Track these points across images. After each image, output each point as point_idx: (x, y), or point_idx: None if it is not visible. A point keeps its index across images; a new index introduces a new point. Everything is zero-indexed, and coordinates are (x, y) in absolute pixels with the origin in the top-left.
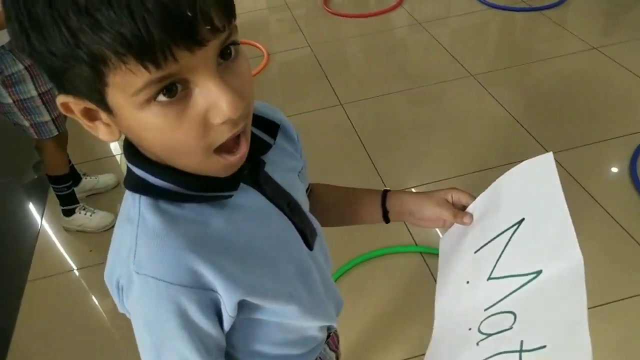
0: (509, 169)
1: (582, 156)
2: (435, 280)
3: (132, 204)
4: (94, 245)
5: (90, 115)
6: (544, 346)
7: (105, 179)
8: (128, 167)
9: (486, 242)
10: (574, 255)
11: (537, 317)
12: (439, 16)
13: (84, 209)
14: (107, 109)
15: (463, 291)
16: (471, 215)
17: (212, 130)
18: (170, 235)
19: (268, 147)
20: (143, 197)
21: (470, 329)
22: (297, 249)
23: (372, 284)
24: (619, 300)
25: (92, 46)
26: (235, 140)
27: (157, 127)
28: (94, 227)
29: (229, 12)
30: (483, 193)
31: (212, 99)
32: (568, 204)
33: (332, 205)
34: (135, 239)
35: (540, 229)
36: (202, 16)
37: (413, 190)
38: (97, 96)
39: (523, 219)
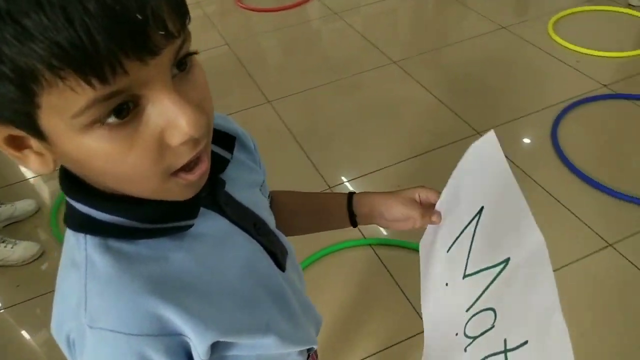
0: (443, 151)
1: (508, 131)
2: (389, 271)
3: (77, 246)
4: (21, 279)
5: (16, 144)
6: (526, 342)
7: (24, 206)
8: (67, 202)
9: (454, 238)
10: (535, 239)
11: (513, 310)
12: (352, 5)
13: (3, 242)
14: (40, 135)
15: (444, 295)
16: (439, 214)
17: (169, 152)
18: (125, 278)
19: (226, 162)
20: (89, 237)
21: (457, 334)
22: (268, 273)
23: (327, 282)
24: (560, 268)
25: (18, 60)
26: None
27: (105, 154)
28: (17, 260)
29: (183, 14)
30: (445, 189)
31: (169, 117)
32: None
33: (296, 214)
34: (85, 288)
35: (499, 214)
36: (154, 19)
37: (351, 183)
38: (26, 120)
39: (482, 207)
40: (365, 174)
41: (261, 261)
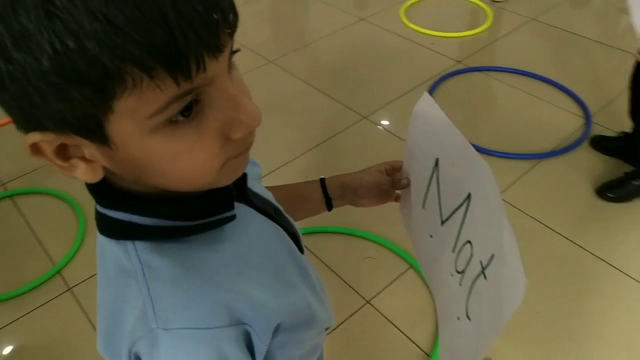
0: (338, 139)
1: (390, 111)
2: (317, 257)
3: (125, 255)
4: None
5: (66, 153)
6: (493, 255)
7: None
8: (99, 213)
9: (424, 193)
10: (480, 167)
11: (480, 233)
12: None
13: None
14: (102, 140)
15: (433, 246)
16: (407, 179)
17: (229, 145)
18: (190, 275)
19: None
20: (138, 243)
21: (452, 275)
22: (297, 255)
23: None
24: None
25: (106, 60)
26: None
27: (172, 153)
28: None
29: (236, 12)
30: (404, 155)
31: (231, 110)
32: (391, 158)
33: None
34: (148, 293)
35: (451, 159)
36: (224, 18)
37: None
38: (92, 125)
39: (437, 159)
40: (269, 173)
41: (290, 244)
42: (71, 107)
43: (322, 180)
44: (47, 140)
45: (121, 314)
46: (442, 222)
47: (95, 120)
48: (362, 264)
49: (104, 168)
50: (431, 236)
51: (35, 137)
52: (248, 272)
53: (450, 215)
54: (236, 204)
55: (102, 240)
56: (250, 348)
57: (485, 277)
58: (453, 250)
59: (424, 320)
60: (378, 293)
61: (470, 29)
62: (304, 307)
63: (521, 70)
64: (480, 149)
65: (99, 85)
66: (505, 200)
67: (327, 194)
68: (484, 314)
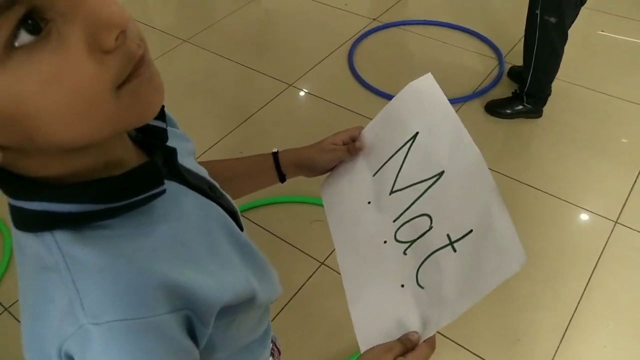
0: (267, 109)
1: (313, 77)
2: (266, 229)
3: (43, 248)
4: None
5: None
6: (471, 230)
7: None
8: (12, 206)
9: (383, 162)
10: (471, 153)
11: (452, 209)
12: None
13: None
14: None
15: (365, 212)
16: (362, 141)
17: (110, 60)
18: (120, 262)
19: (164, 131)
20: (57, 233)
21: (385, 242)
22: (236, 232)
23: None
24: None
25: None
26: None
27: (38, 83)
28: None
29: None
30: (372, 122)
31: (89, 13)
32: (322, 121)
33: (231, 180)
34: (74, 286)
35: (435, 137)
36: None
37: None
38: None
39: (417, 133)
40: (202, 153)
41: (228, 221)
42: None
43: (275, 155)
44: None
45: (45, 313)
46: (391, 192)
47: None
48: (310, 229)
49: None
50: (369, 202)
51: None
52: (182, 255)
53: (406, 187)
54: (167, 182)
55: (18, 235)
56: (192, 333)
57: (454, 249)
58: (395, 221)
59: None
60: (331, 253)
61: None
62: (245, 286)
63: (434, 21)
64: None
65: None
66: None
67: (281, 170)
68: (448, 283)
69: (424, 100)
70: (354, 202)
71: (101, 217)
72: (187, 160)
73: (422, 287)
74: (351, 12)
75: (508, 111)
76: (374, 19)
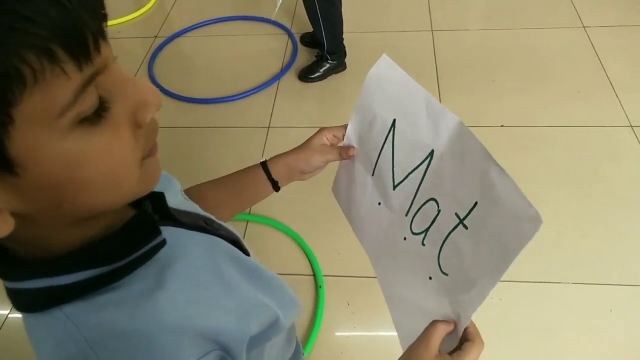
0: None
1: None
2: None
3: (64, 334)
4: None
5: None
6: (476, 203)
7: None
8: (13, 290)
9: (376, 159)
10: (451, 122)
11: (452, 186)
12: None
13: None
14: (5, 168)
15: (380, 214)
16: (354, 148)
17: (140, 135)
18: (140, 324)
19: None
20: (70, 313)
21: (405, 239)
22: (242, 259)
23: None
24: None
25: (3, 54)
26: None
27: (94, 153)
28: None
29: None
30: (351, 122)
31: (134, 94)
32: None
33: (223, 202)
34: None
35: (411, 117)
36: None
37: None
38: None
39: (394, 120)
40: None
41: (232, 251)
42: None
43: (264, 164)
44: None
45: None
46: (394, 187)
47: None
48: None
49: (13, 214)
50: (380, 203)
51: None
52: (198, 298)
53: (406, 177)
54: (163, 228)
55: (27, 321)
56: None
57: (465, 227)
58: (407, 215)
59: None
60: None
61: (139, 9)
62: (266, 311)
63: (214, 19)
64: (222, 99)
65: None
66: (272, 125)
67: (272, 178)
68: (470, 262)
69: (387, 85)
70: (366, 207)
71: (111, 280)
72: (175, 199)
73: (447, 274)
74: (127, 37)
75: (318, 74)
76: (156, 36)
